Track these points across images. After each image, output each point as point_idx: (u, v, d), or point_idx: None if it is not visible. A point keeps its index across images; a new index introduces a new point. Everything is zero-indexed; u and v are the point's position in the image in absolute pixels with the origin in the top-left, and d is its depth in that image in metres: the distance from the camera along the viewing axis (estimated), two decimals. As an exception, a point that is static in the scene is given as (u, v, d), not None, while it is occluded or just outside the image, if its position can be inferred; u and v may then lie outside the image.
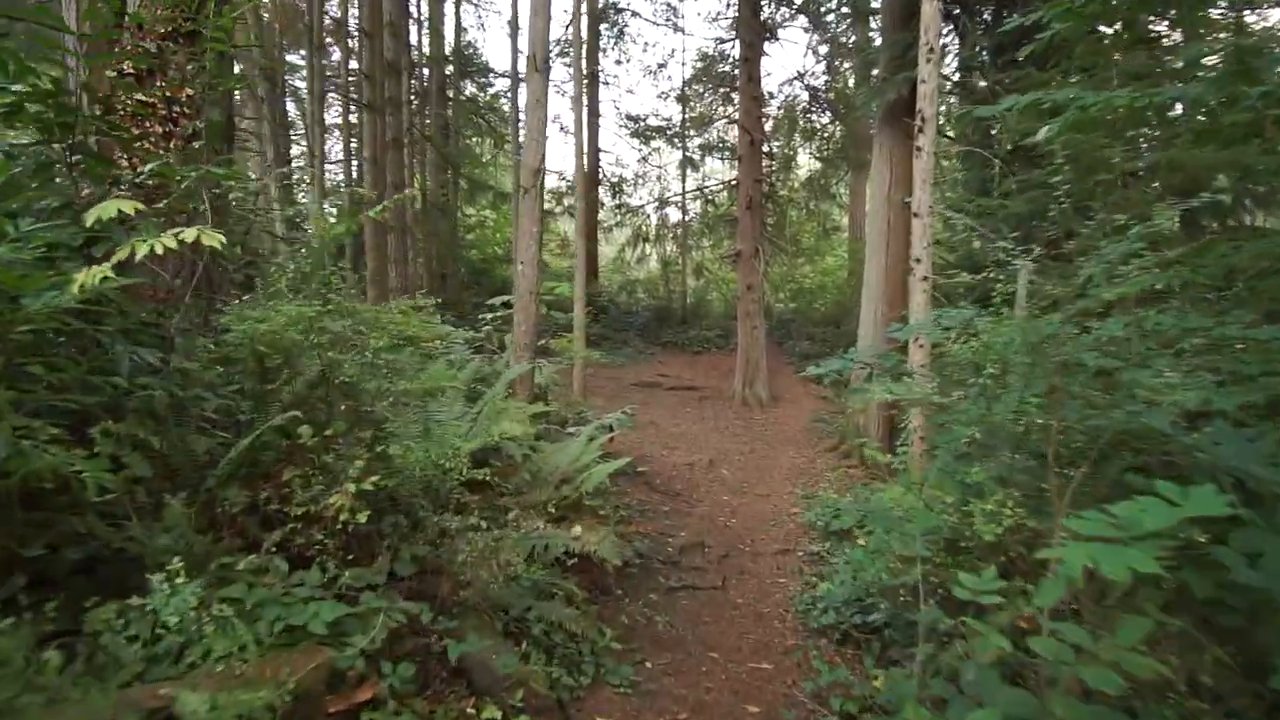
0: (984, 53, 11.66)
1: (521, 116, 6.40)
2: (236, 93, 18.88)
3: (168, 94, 5.74)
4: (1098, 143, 7.29)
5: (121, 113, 5.62)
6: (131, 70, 5.61)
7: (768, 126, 18.74)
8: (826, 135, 19.68)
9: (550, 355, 11.64)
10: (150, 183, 4.23)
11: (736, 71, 17.36)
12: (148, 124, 5.70)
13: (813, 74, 18.94)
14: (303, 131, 15.99)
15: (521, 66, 11.92)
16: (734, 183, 17.05)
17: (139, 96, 5.68)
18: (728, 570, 6.02)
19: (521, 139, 7.35)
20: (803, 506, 8.00)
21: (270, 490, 2.91)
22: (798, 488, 9.18)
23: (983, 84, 12.15)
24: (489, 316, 9.39)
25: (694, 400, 15.03)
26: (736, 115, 16.56)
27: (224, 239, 2.58)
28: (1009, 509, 2.93)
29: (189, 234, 2.50)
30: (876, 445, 7.48)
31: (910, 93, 11.17)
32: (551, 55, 23.24)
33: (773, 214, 19.71)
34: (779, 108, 20.25)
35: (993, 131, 11.09)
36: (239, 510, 2.84)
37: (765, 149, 17.31)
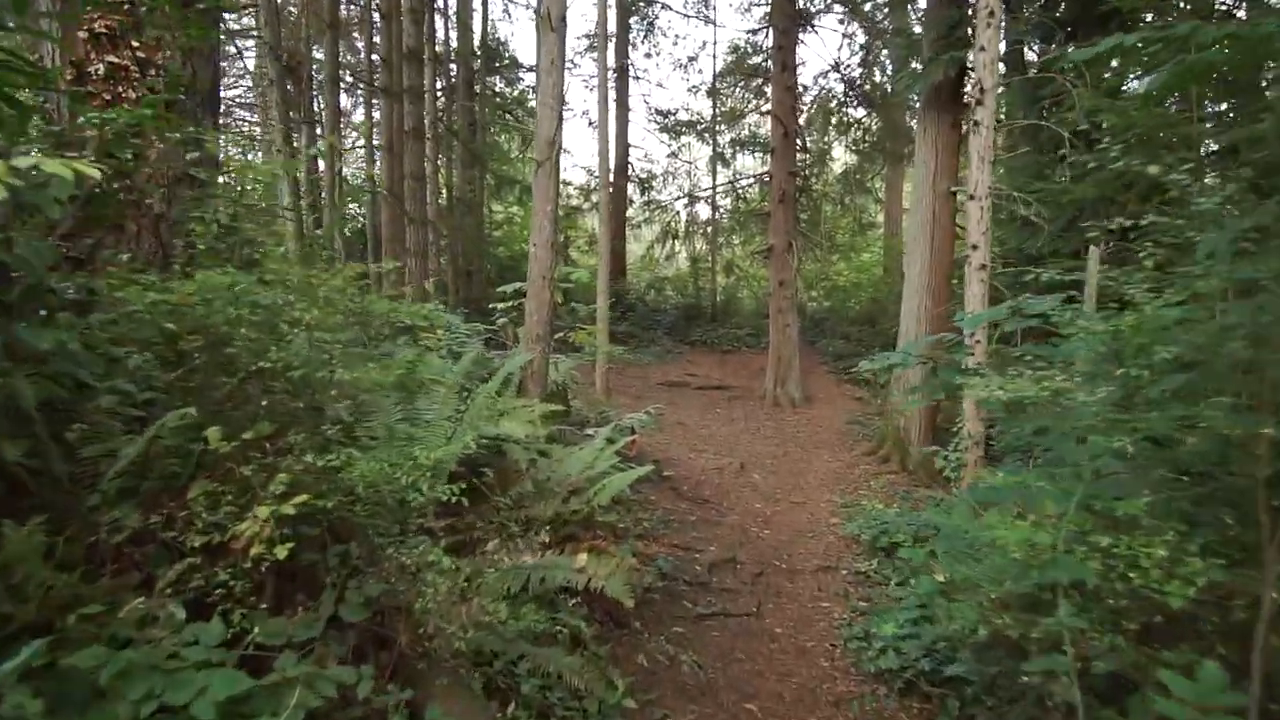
0: (1034, 31, 10.63)
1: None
2: (253, 80, 18.45)
3: (141, 55, 5.12)
4: (1175, 118, 6.30)
5: (94, 75, 5.03)
6: (105, 29, 5.02)
7: (801, 120, 17.77)
8: (863, 127, 18.63)
9: (571, 350, 10.81)
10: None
11: (769, 62, 16.43)
12: (120, 88, 5.10)
13: (848, 65, 17.93)
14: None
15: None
16: (766, 175, 16.12)
17: (110, 59, 5.09)
18: (763, 592, 5.17)
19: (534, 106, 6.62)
20: (843, 516, 7.11)
21: (172, 511, 2.17)
22: (835, 495, 8.28)
23: (1032, 57, 11.13)
24: (500, 306, 8.61)
25: (723, 400, 14.15)
26: (769, 106, 15.63)
27: (96, 171, 1.83)
28: (1194, 558, 2.02)
29: (23, 161, 1.77)
30: (952, 457, 6.58)
31: (957, 74, 10.21)
32: (580, 54, 22.57)
33: (806, 209, 18.74)
34: (813, 101, 19.27)
35: (1044, 114, 10.05)
36: (123, 539, 2.10)
37: (799, 141, 16.37)
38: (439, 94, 16.00)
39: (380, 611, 2.44)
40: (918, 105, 11.81)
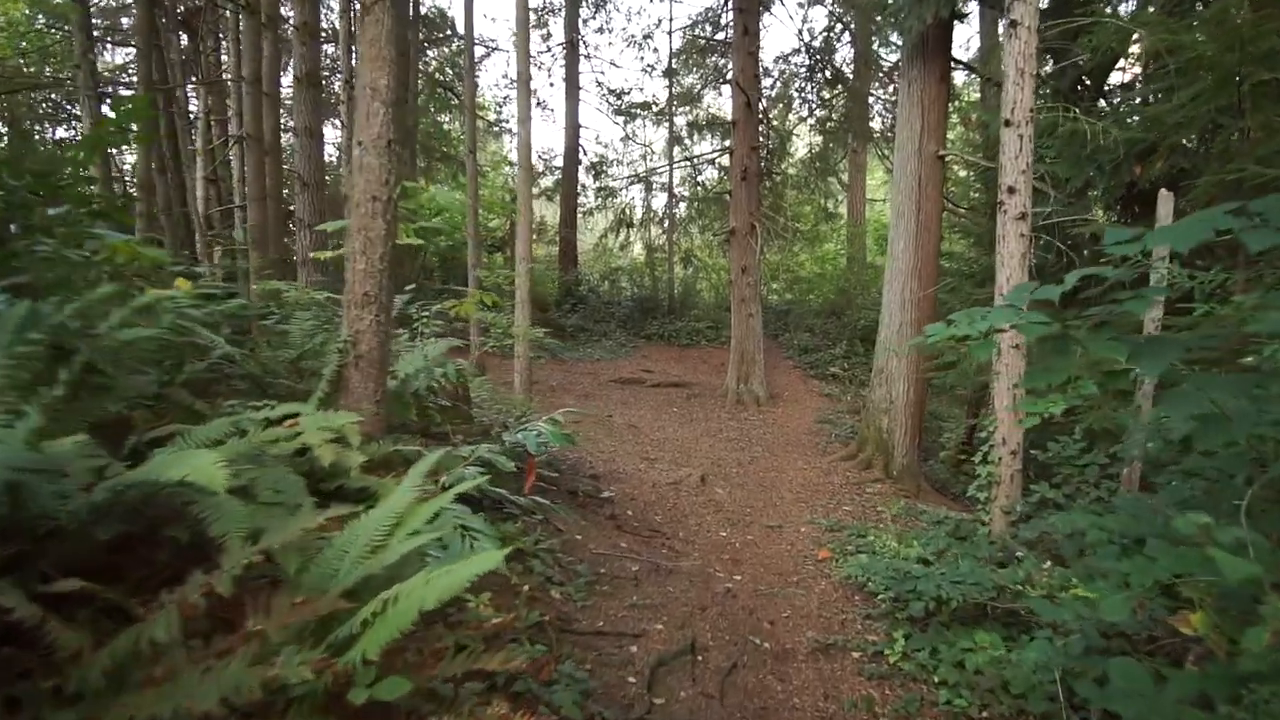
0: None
1: None
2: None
3: None
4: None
5: None
6: None
7: (765, 95, 15.96)
8: (829, 102, 16.90)
9: (459, 334, 8.60)
10: None
11: (730, 29, 14.61)
12: None
13: (813, 36, 16.21)
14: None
15: (479, 25, 9.16)
16: (728, 148, 14.28)
17: None
18: (744, 711, 3.18)
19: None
20: (833, 546, 5.30)
21: None
22: (817, 512, 6.50)
23: None
24: (323, 257, 6.44)
25: (681, 399, 12.29)
26: (730, 75, 13.79)
27: None
28: None
29: None
30: (982, 471, 4.78)
31: (950, 16, 8.53)
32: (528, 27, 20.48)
33: (769, 195, 16.97)
34: (775, 81, 17.49)
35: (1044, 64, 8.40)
36: None
37: (761, 115, 14.55)
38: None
39: None
40: (900, 60, 10.06)
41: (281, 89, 12.44)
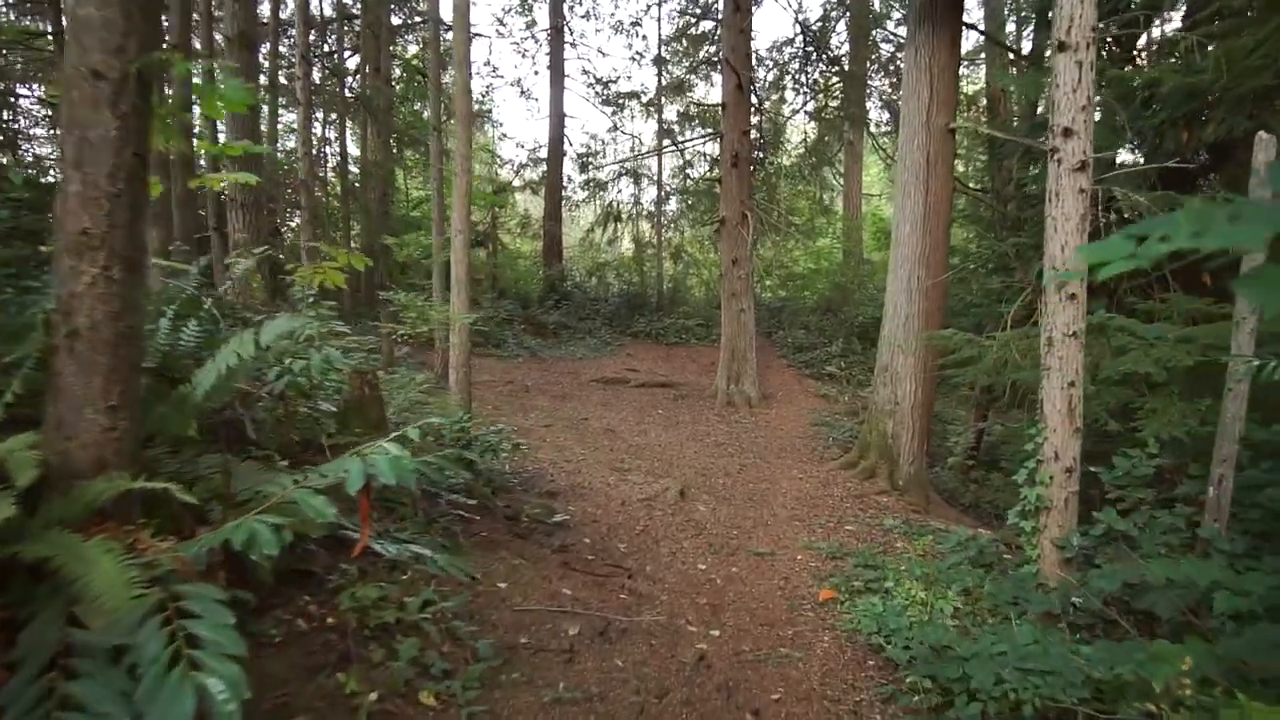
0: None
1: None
2: None
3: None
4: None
5: None
6: None
7: (756, 86, 14.85)
8: (825, 89, 15.79)
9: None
10: None
11: (719, 4, 13.52)
12: None
13: (807, 17, 15.11)
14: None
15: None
16: (718, 132, 13.17)
17: None
18: None
19: None
20: (836, 583, 4.20)
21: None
22: (814, 532, 5.42)
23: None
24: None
25: (667, 400, 11.18)
26: (721, 53, 12.70)
27: None
28: None
29: None
30: (1029, 495, 3.64)
31: (962, -28, 7.49)
32: (510, 12, 19.31)
33: (762, 186, 15.87)
34: (770, 70, 16.39)
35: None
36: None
37: (755, 105, 13.47)
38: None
39: None
40: (906, 27, 8.98)
41: None
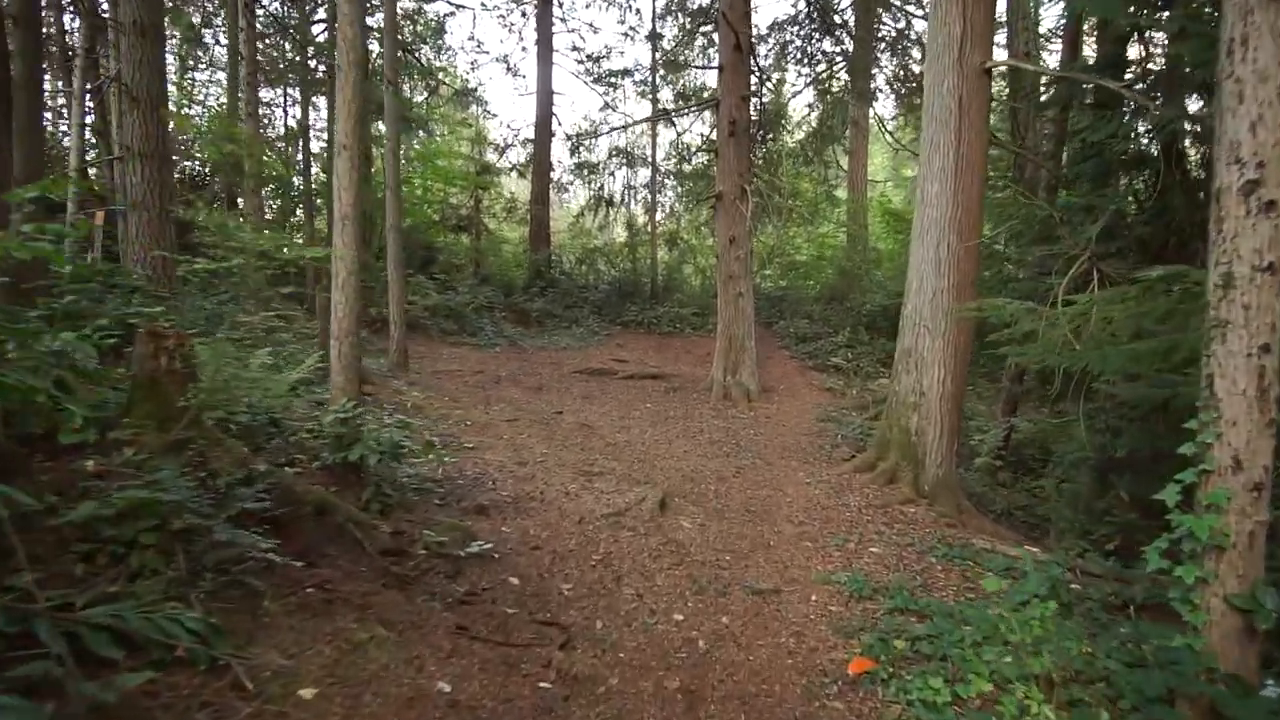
0: None
1: None
2: None
3: None
4: None
5: None
6: None
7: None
8: (830, 60, 14.37)
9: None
10: None
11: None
12: None
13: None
14: None
15: None
16: (714, 99, 11.73)
17: None
18: None
19: None
20: (871, 644, 2.83)
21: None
22: (831, 558, 4.08)
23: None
24: None
25: (657, 392, 9.81)
26: (717, 7, 11.25)
27: None
28: None
29: None
30: (1197, 527, 2.20)
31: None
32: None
33: (763, 165, 14.45)
34: (773, 45, 14.96)
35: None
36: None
37: (753, 60, 12.05)
38: None
39: None
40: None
41: None
